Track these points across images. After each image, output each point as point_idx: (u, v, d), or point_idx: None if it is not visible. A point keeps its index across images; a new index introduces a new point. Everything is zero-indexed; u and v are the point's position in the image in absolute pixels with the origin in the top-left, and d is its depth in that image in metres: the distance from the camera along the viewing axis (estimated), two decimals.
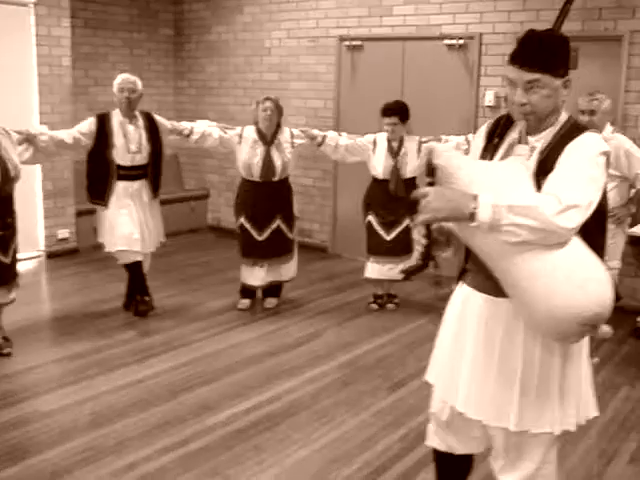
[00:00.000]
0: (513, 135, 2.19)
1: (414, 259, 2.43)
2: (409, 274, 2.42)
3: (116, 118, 4.89)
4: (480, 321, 2.22)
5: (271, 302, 5.52)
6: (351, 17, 6.61)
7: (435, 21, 6.09)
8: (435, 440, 2.51)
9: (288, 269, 5.45)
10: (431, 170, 2.06)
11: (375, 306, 5.53)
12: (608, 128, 4.37)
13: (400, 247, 5.18)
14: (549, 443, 2.25)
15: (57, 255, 6.78)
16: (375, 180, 5.30)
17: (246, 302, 5.47)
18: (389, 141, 5.18)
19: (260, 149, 5.11)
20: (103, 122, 4.85)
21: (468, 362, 2.25)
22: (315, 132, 5.28)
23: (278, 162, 5.12)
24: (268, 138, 5.13)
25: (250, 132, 5.17)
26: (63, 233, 6.84)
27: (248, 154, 5.11)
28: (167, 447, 3.40)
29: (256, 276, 5.34)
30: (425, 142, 5.06)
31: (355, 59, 6.70)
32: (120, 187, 4.91)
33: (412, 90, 6.22)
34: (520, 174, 2.04)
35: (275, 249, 5.28)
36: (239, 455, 3.34)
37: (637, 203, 4.54)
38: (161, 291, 5.66)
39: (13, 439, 3.43)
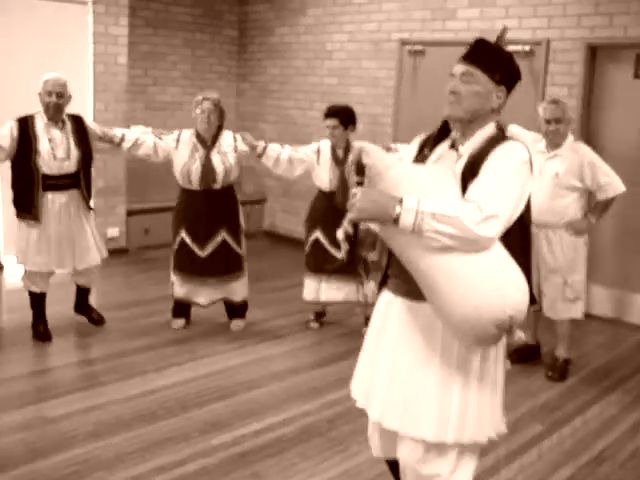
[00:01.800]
0: (443, 146, 2.23)
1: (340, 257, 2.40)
2: (332, 271, 2.38)
3: (40, 122, 4.36)
4: (399, 326, 2.23)
5: (237, 324, 5.01)
6: (414, 20, 6.31)
7: (500, 25, 5.67)
8: (376, 451, 2.54)
9: (239, 287, 4.91)
10: (360, 169, 2.07)
11: (316, 325, 5.13)
12: (570, 137, 4.29)
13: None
14: (464, 457, 2.25)
15: None
16: (321, 192, 4.85)
17: (180, 322, 4.96)
18: (333, 149, 4.75)
19: (199, 154, 4.63)
20: (25, 126, 4.32)
21: (386, 369, 2.25)
22: (254, 142, 4.72)
23: (219, 168, 4.61)
24: (208, 142, 4.67)
25: (188, 136, 4.70)
26: (112, 232, 6.80)
27: (186, 160, 4.62)
28: (163, 466, 3.20)
29: (200, 294, 4.82)
30: (395, 150, 4.53)
31: (416, 64, 6.38)
32: (47, 199, 4.39)
33: None
34: (447, 178, 2.08)
35: (220, 266, 4.74)
36: None
37: (599, 214, 4.36)
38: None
39: (9, 444, 3.33)
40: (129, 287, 5.95)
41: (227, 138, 4.74)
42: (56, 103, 4.32)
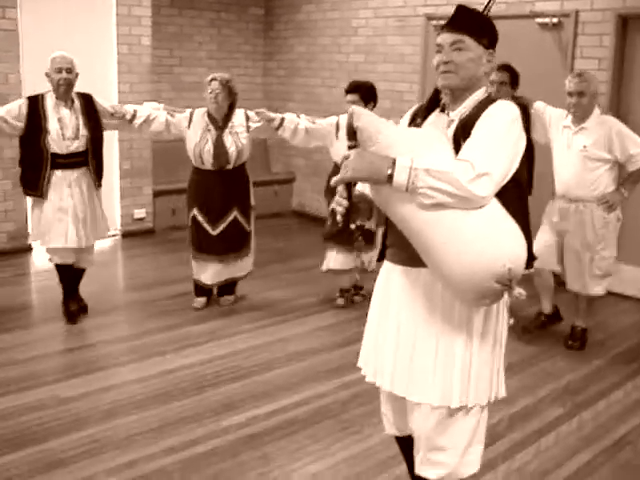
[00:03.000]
0: (435, 113, 2.22)
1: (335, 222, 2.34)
2: (328, 237, 2.32)
3: (50, 101, 4.36)
4: (400, 293, 2.23)
5: (227, 300, 5.07)
6: None
7: None
8: (389, 427, 2.52)
9: (244, 265, 4.98)
10: (352, 133, 2.07)
11: (341, 301, 5.12)
12: (596, 110, 4.21)
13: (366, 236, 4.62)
14: (474, 422, 2.22)
15: (133, 234, 6.81)
16: (337, 167, 4.81)
17: (201, 300, 5.00)
18: None
19: (211, 134, 4.64)
20: (35, 105, 4.32)
21: (392, 337, 2.25)
22: (272, 114, 4.73)
23: (232, 148, 4.64)
24: (220, 122, 4.67)
25: (200, 116, 4.70)
26: (139, 213, 6.85)
27: (198, 140, 4.64)
28: (173, 447, 3.21)
29: (209, 274, 4.88)
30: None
31: None
32: (57, 177, 4.40)
33: None
34: (438, 139, 2.08)
35: (231, 244, 4.82)
36: (244, 463, 3.10)
37: (631, 185, 4.26)
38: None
39: (22, 424, 3.37)
40: (155, 268, 5.99)
41: (239, 117, 4.73)
42: (66, 78, 4.29)
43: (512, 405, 3.64)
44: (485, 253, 1.93)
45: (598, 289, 4.36)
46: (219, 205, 4.73)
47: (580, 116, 4.17)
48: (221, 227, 4.77)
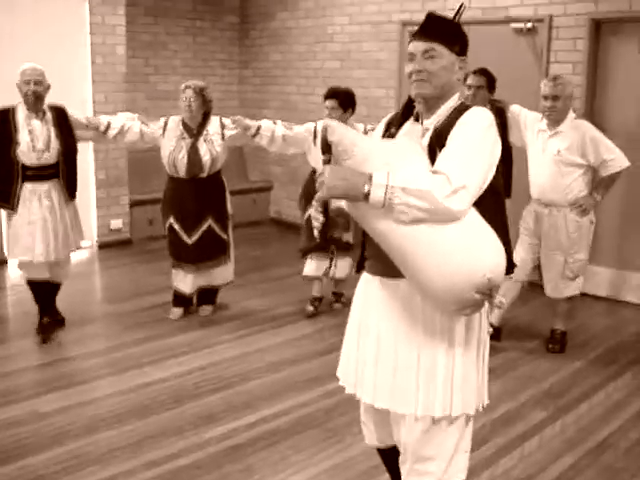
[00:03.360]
0: (409, 122, 2.20)
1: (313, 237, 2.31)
2: (305, 252, 2.29)
3: (21, 113, 4.31)
4: (380, 305, 2.21)
5: (206, 309, 5.03)
6: (413, 0, 6.16)
7: (502, 3, 5.56)
8: (369, 438, 2.51)
9: (221, 273, 4.93)
10: (327, 147, 2.04)
11: (311, 308, 5.10)
12: (571, 114, 4.24)
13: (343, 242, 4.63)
14: (460, 431, 2.20)
15: (109, 245, 6.73)
16: (314, 173, 4.76)
17: (177, 311, 4.95)
18: None
19: (185, 142, 4.60)
20: (6, 117, 4.27)
21: (372, 348, 2.22)
22: (248, 122, 4.70)
23: (206, 157, 4.59)
24: (194, 130, 4.64)
25: (175, 124, 4.67)
26: (116, 224, 6.78)
27: (172, 149, 4.60)
28: (154, 461, 3.16)
29: (187, 283, 4.85)
30: (372, 129, 4.52)
31: None
32: (27, 189, 4.32)
33: None
34: (414, 150, 2.06)
35: (206, 252, 4.78)
36: (226, 475, 3.06)
37: (603, 191, 4.30)
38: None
39: (1, 440, 3.30)
40: (132, 279, 5.91)
41: (214, 125, 4.69)
42: (35, 91, 4.23)
43: (494, 410, 3.63)
44: (465, 264, 1.91)
45: (571, 290, 4.42)
46: (194, 213, 4.70)
47: (555, 120, 4.20)
48: (196, 235, 4.73)
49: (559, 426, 3.55)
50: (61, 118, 4.41)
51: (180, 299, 4.95)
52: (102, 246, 6.73)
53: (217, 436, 3.38)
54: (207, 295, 5.02)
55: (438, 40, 2.08)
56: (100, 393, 3.82)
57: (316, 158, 4.72)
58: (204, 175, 4.66)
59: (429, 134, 2.11)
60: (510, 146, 4.38)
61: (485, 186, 2.01)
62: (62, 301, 4.81)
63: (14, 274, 5.92)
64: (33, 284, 4.60)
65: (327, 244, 2.30)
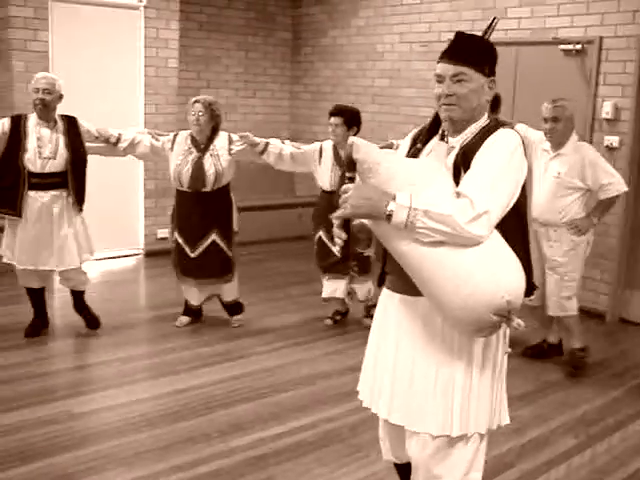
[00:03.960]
0: (435, 139, 2.19)
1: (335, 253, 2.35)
2: (329, 268, 2.32)
3: (32, 120, 4.40)
4: (399, 321, 2.21)
5: (238, 320, 5.05)
6: (464, 20, 6.17)
7: (551, 24, 5.52)
8: (385, 453, 2.54)
9: (227, 290, 4.94)
10: (351, 165, 2.06)
11: (330, 321, 5.15)
12: (573, 137, 4.27)
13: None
14: (473, 450, 2.19)
15: (155, 254, 6.87)
16: (324, 192, 4.85)
17: (183, 319, 5.01)
18: (335, 149, 4.72)
19: (192, 156, 4.62)
20: (18, 123, 4.36)
21: (390, 364, 2.23)
22: (256, 139, 4.69)
23: (210, 171, 4.60)
24: (201, 145, 4.66)
25: (184, 138, 4.71)
26: (163, 232, 6.92)
27: (179, 162, 4.64)
28: (179, 466, 3.21)
29: (194, 295, 4.91)
30: (380, 148, 4.54)
31: None
32: (30, 197, 4.37)
33: (524, 100, 5.70)
34: (439, 171, 2.05)
35: (210, 269, 4.76)
36: None
37: (600, 214, 4.34)
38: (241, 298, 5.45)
39: (32, 438, 3.40)
40: (175, 287, 5.99)
41: (222, 140, 4.71)
42: (42, 99, 4.31)
43: (523, 434, 3.59)
44: (483, 286, 1.90)
45: (568, 308, 4.40)
46: (197, 227, 4.70)
47: (556, 142, 4.26)
48: (200, 250, 4.73)
49: (589, 455, 3.47)
50: (72, 128, 4.48)
51: (189, 309, 5.02)
52: (148, 254, 6.88)
53: (242, 445, 3.42)
54: (234, 308, 5.05)
55: (467, 63, 2.06)
56: (133, 397, 3.89)
57: (322, 178, 4.81)
58: (208, 189, 4.66)
59: (455, 153, 2.11)
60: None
61: (509, 208, 2.01)
62: (105, 305, 4.94)
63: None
64: (29, 291, 4.68)
65: (348, 260, 2.31)
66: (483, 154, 2.03)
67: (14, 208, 4.39)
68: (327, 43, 7.67)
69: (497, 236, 1.98)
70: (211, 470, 3.19)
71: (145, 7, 6.37)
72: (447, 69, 2.08)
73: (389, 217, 1.93)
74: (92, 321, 4.82)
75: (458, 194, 1.96)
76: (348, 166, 2.09)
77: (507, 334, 2.23)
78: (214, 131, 4.70)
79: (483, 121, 2.14)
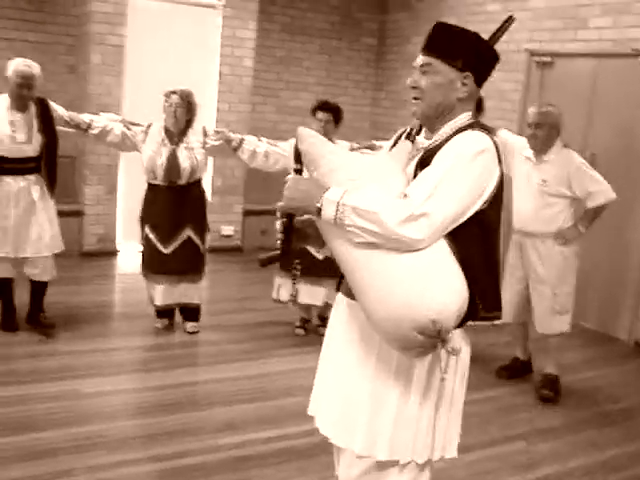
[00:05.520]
0: (400, 141, 2.04)
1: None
2: (266, 263, 2.15)
3: (3, 103, 4.21)
4: (343, 326, 2.08)
5: (192, 327, 4.78)
6: (544, 30, 5.86)
7: (635, 34, 5.12)
8: (337, 466, 2.29)
9: (195, 292, 4.73)
10: (298, 156, 1.99)
11: (302, 331, 4.95)
12: (558, 143, 4.10)
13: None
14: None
15: (219, 250, 6.94)
16: None
17: (163, 321, 4.79)
18: None
19: (166, 149, 4.44)
20: None
21: (330, 372, 2.10)
22: (231, 135, 4.52)
23: (185, 163, 4.42)
24: (176, 137, 4.48)
25: (157, 130, 4.50)
26: (227, 230, 7.00)
27: (152, 153, 4.43)
28: (162, 455, 3.20)
29: (159, 294, 4.62)
30: (357, 148, 4.27)
31: (544, 77, 5.92)
32: (5, 183, 4.22)
33: (602, 115, 5.35)
34: (388, 169, 1.93)
35: (183, 264, 4.55)
36: None
37: (588, 223, 4.14)
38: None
39: (32, 411, 3.50)
40: (233, 284, 6.10)
41: (196, 133, 4.57)
42: (21, 85, 4.13)
43: (533, 471, 3.35)
44: (407, 299, 1.73)
45: (561, 326, 4.20)
46: (171, 222, 4.52)
47: (539, 149, 4.08)
48: (174, 245, 4.54)
49: None
50: (44, 111, 4.31)
51: (159, 311, 4.77)
52: (212, 250, 6.95)
53: (232, 444, 3.36)
54: (191, 311, 4.83)
55: (436, 54, 1.93)
56: (141, 384, 3.95)
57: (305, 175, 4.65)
58: (183, 183, 4.50)
59: (420, 155, 1.96)
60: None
61: (464, 218, 1.83)
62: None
63: (124, 264, 6.33)
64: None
65: (287, 256, 2.19)
66: (440, 156, 1.87)
67: None
68: (411, 50, 7.49)
69: (442, 248, 1.81)
70: (190, 464, 3.16)
71: (224, 6, 6.48)
72: (418, 60, 1.96)
73: (319, 212, 1.83)
74: (35, 317, 4.60)
75: (405, 196, 1.81)
76: (295, 157, 2.03)
77: (465, 360, 2.03)
78: (189, 124, 4.55)
79: (460, 122, 1.96)
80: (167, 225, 4.52)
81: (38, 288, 4.56)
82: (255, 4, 6.62)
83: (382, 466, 2.00)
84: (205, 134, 4.58)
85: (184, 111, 4.45)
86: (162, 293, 4.62)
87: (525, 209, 4.13)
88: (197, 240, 4.63)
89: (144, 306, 4.94)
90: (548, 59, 5.85)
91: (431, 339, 1.75)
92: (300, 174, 2.03)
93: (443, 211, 1.77)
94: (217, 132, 4.64)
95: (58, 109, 4.42)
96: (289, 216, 2.05)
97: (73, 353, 4.26)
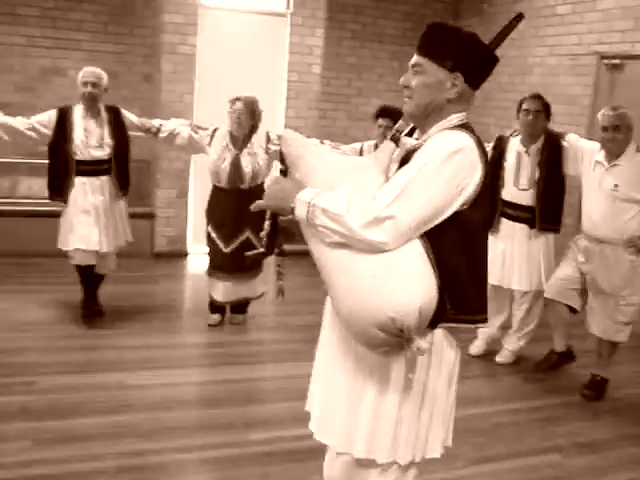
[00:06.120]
0: (405, 140, 2.05)
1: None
2: (251, 261, 2.26)
3: (78, 112, 4.58)
4: (329, 322, 2.13)
5: (237, 318, 5.04)
6: (614, 31, 5.64)
7: None
8: None
9: (255, 285, 4.91)
10: (282, 158, 2.05)
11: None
12: (631, 147, 3.94)
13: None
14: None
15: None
16: None
17: (215, 317, 4.99)
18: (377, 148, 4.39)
19: (230, 153, 4.61)
20: (64, 114, 4.54)
21: (317, 368, 2.18)
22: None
23: (247, 168, 4.59)
24: (239, 142, 4.63)
25: (222, 134, 4.68)
26: None
27: (216, 157, 4.62)
28: (190, 447, 3.34)
29: (220, 291, 4.85)
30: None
31: (614, 80, 5.71)
32: (81, 182, 4.58)
33: None
34: (365, 170, 1.95)
35: (242, 264, 4.65)
36: (244, 477, 3.13)
37: None
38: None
39: (75, 399, 3.70)
40: (292, 286, 6.14)
41: (260, 139, 4.71)
42: (91, 92, 4.52)
43: None
44: (368, 297, 1.77)
45: (621, 336, 4.07)
46: (232, 223, 4.70)
47: (615, 152, 3.91)
48: (234, 245, 4.73)
49: None
50: (115, 118, 4.68)
51: (215, 306, 5.02)
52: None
53: (261, 439, 3.46)
54: (240, 305, 5.04)
55: (426, 54, 1.96)
56: (183, 379, 4.09)
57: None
58: (245, 187, 4.66)
59: (402, 154, 2.00)
60: (564, 176, 4.26)
61: (439, 220, 1.84)
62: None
63: (193, 266, 6.56)
64: (82, 269, 4.79)
65: (269, 255, 2.28)
66: (415, 156, 1.89)
67: (60, 194, 4.62)
68: None
69: (414, 249, 1.82)
70: (219, 456, 3.28)
71: (292, 15, 6.61)
72: (411, 60, 2.00)
73: (292, 211, 1.89)
74: (98, 310, 4.94)
75: (366, 200, 1.84)
76: (280, 159, 2.09)
77: (450, 361, 2.03)
78: (252, 130, 4.71)
79: (449, 123, 1.96)
80: (229, 226, 4.73)
81: (98, 280, 4.97)
82: (323, 12, 6.72)
83: (362, 465, 2.04)
84: (268, 140, 4.74)
85: (248, 117, 4.62)
86: (222, 290, 4.86)
87: (595, 215, 4.02)
88: (256, 242, 4.76)
89: (206, 305, 5.12)
90: (618, 61, 5.64)
91: (394, 337, 1.77)
92: (285, 175, 2.08)
93: (411, 213, 1.79)
94: (280, 137, 4.76)
95: (130, 116, 4.77)
96: (274, 216, 2.12)
97: (125, 348, 4.46)
